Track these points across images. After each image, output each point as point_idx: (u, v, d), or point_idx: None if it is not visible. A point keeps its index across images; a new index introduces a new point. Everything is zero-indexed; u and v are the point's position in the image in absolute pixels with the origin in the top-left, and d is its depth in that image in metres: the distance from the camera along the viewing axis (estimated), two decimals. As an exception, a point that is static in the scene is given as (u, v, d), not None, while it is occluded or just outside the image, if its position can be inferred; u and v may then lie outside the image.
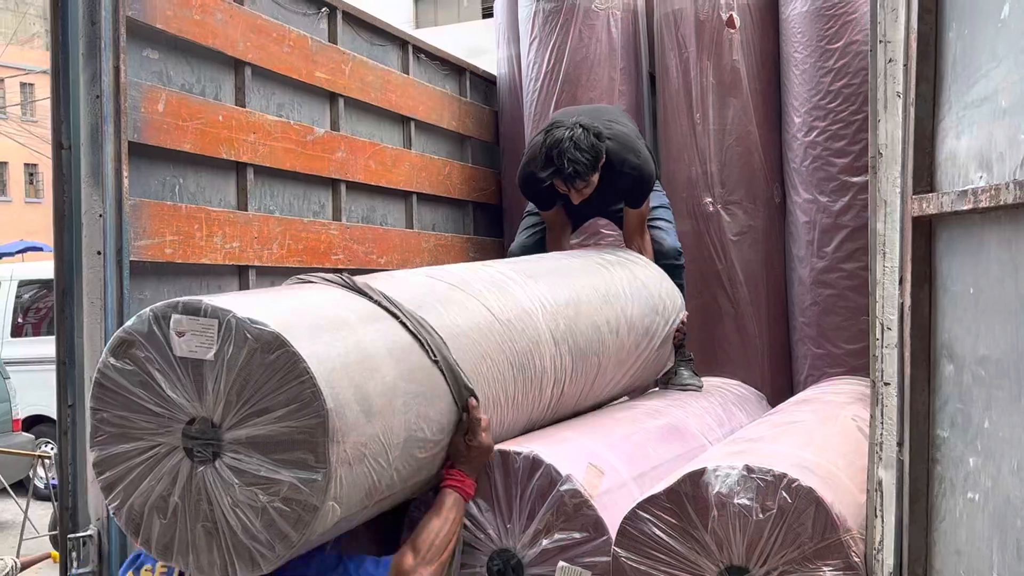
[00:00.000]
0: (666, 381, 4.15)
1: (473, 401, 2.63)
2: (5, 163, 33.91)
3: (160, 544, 2.23)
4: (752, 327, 4.93)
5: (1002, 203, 1.70)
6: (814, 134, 4.67)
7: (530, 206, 4.39)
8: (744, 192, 4.92)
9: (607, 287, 3.59)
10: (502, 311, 2.93)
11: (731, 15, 4.85)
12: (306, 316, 2.32)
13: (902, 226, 2.26)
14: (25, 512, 6.88)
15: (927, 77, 2.18)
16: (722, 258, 4.92)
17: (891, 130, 2.35)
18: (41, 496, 8.60)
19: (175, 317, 2.17)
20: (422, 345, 2.54)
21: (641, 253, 4.17)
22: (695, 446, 3.47)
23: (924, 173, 2.18)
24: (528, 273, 3.27)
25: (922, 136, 2.18)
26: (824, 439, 3.03)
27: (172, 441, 2.18)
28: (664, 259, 4.21)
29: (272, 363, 2.12)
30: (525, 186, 4.11)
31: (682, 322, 4.03)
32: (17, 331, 10.32)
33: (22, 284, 10.40)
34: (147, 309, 2.20)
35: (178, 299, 2.18)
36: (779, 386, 4.88)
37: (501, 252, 5.29)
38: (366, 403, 2.25)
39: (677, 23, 4.98)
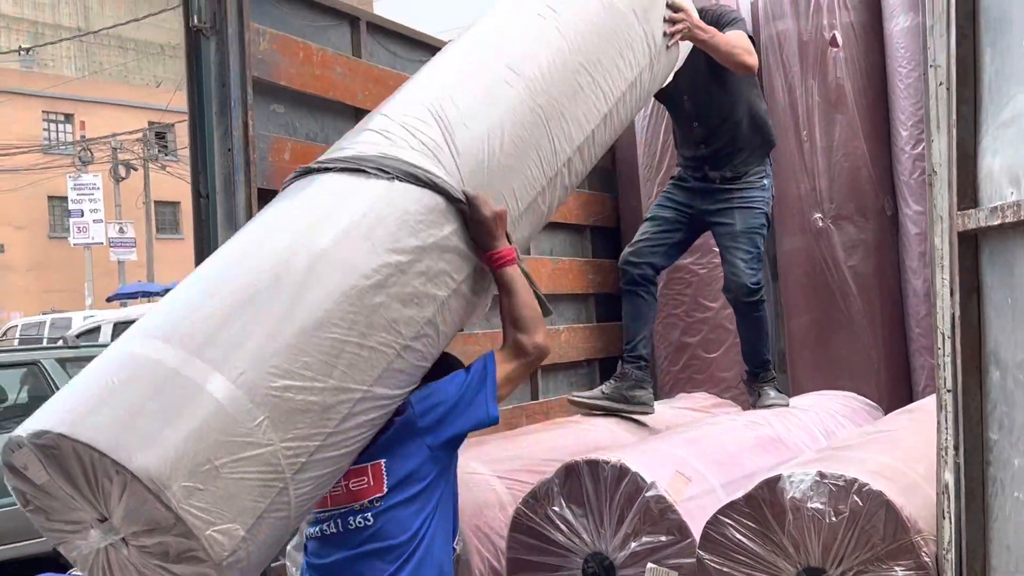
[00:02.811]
0: (753, 404, 4.21)
1: (467, 192, 2.58)
2: (178, 203, 36.00)
3: None
4: (867, 340, 4.98)
5: (1024, 217, 1.84)
6: (922, 146, 4.71)
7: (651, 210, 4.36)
8: (854, 206, 5.00)
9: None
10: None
11: (834, 34, 4.95)
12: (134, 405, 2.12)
13: (951, 240, 2.38)
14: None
15: (967, 99, 2.31)
16: (834, 272, 4.99)
17: (943, 149, 2.47)
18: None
19: (16, 456, 2.14)
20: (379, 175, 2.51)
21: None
22: (795, 456, 3.59)
23: (968, 190, 2.30)
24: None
25: (964, 155, 2.30)
26: (911, 445, 3.12)
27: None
28: (732, 296, 4.10)
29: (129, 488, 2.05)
30: None
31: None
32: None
33: (118, 325, 11.22)
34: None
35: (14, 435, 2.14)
36: (898, 398, 4.90)
37: (616, 272, 5.49)
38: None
39: (781, 44, 5.10)
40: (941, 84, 2.49)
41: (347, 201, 2.49)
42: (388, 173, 2.50)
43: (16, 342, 17.81)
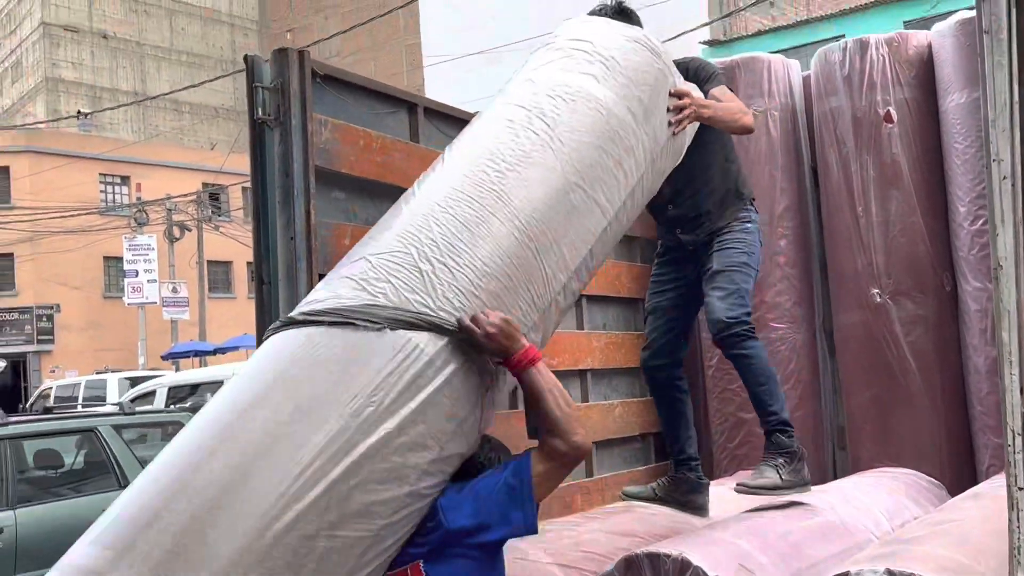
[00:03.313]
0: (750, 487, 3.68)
1: (460, 321, 2.53)
2: (230, 262, 36.56)
3: None
4: (928, 417, 4.90)
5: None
6: (980, 222, 4.67)
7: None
8: (912, 282, 4.95)
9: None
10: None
11: (888, 111, 4.95)
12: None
13: (1020, 336, 2.35)
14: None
15: (1034, 197, 2.29)
16: (893, 349, 4.93)
17: (1009, 243, 2.45)
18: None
19: None
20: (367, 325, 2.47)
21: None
22: (859, 541, 3.53)
23: (1036, 287, 2.28)
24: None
25: (1032, 253, 2.28)
26: (981, 538, 3.06)
27: None
28: (713, 336, 3.78)
29: None
30: None
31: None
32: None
33: (172, 389, 11.36)
34: None
35: None
36: (961, 476, 4.81)
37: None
38: None
39: (835, 120, 5.11)
40: (1005, 179, 2.48)
41: (344, 377, 2.42)
42: (377, 323, 2.46)
43: (79, 405, 18.10)
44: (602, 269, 5.16)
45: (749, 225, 3.88)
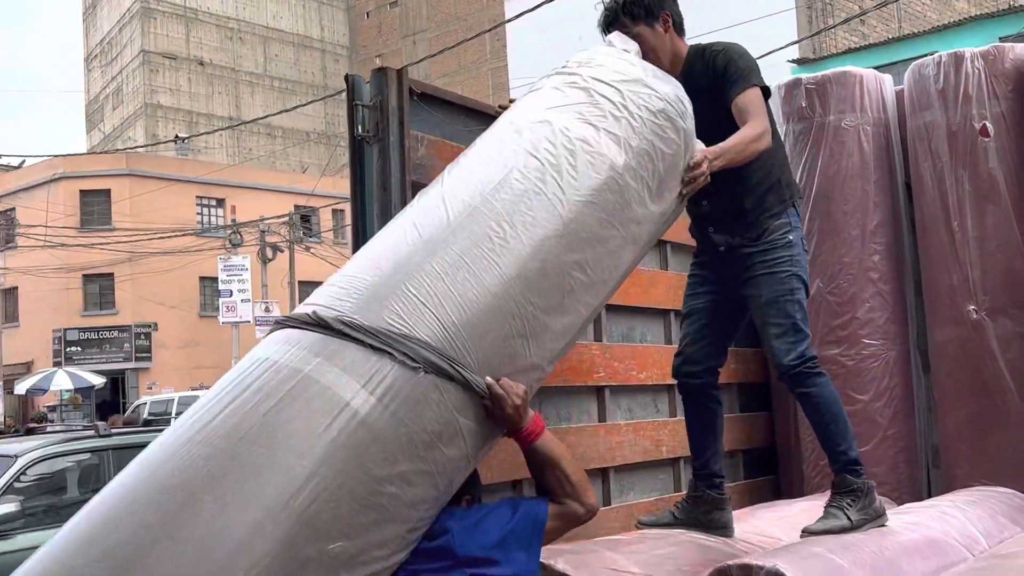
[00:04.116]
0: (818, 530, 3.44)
1: (488, 384, 2.48)
2: (320, 282, 37.10)
3: None
4: (1027, 436, 4.79)
5: None
6: (1082, 237, 4.58)
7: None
8: (1009, 298, 4.85)
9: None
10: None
11: (984, 124, 4.88)
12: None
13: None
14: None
15: None
16: (990, 366, 4.84)
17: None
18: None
19: None
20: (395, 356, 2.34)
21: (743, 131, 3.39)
22: (955, 560, 3.48)
23: None
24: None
25: None
26: (1082, 556, 3.00)
27: None
28: (778, 376, 3.66)
29: None
30: None
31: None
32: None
33: None
34: None
35: None
36: (1063, 497, 4.69)
37: (761, 359, 5.43)
38: None
39: (929, 135, 5.05)
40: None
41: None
42: (415, 363, 2.34)
43: (173, 419, 18.59)
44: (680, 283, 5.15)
45: (791, 236, 3.63)
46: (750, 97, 3.46)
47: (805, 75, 5.50)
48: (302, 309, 2.58)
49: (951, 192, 4.96)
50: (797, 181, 5.25)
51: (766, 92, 3.58)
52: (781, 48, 17.44)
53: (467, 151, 3.07)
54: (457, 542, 2.41)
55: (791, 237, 3.63)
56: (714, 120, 3.43)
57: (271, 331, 2.59)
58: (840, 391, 5.00)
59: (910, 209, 5.33)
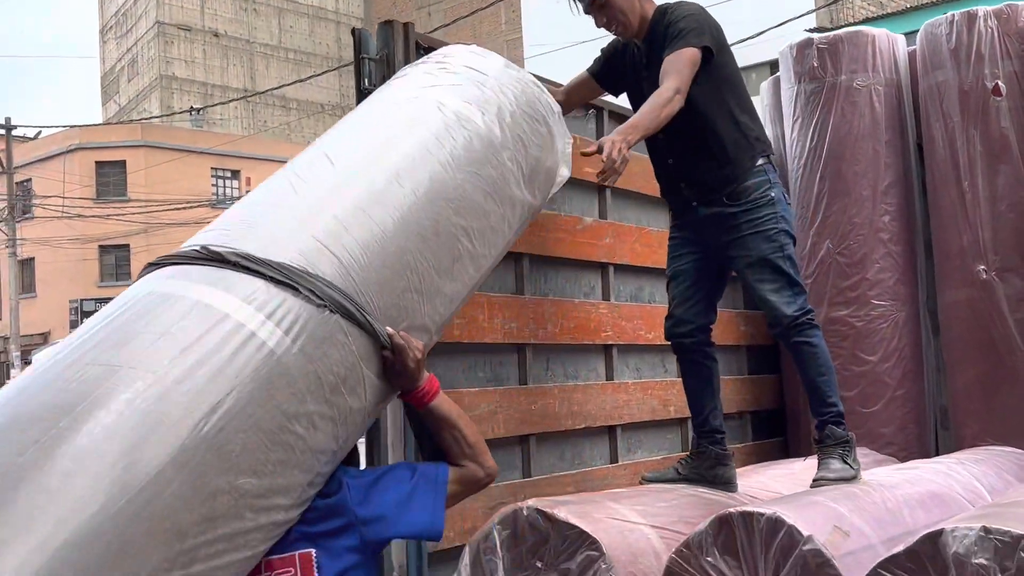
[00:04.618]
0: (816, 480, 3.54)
1: (391, 334, 2.39)
2: (334, 254, 37.29)
3: None
4: (1035, 396, 4.79)
5: None
6: (1093, 196, 4.55)
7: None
8: (1019, 258, 4.84)
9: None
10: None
11: (996, 83, 4.84)
12: None
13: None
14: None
15: None
16: (999, 326, 4.83)
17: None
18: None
19: None
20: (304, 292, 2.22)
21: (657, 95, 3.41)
22: (957, 513, 3.49)
23: None
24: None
25: None
26: (1085, 506, 3.00)
27: None
28: (778, 332, 3.68)
29: None
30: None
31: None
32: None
33: None
34: None
35: None
36: (1070, 457, 4.69)
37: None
38: None
39: (941, 95, 5.02)
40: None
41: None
42: (321, 300, 2.23)
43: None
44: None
45: (772, 193, 3.66)
46: (673, 58, 3.48)
47: (817, 35, 5.47)
48: (186, 247, 2.42)
49: (962, 152, 4.94)
50: (808, 141, 5.25)
51: (708, 52, 3.56)
52: (799, 17, 17.31)
53: (338, 124, 3.03)
54: (353, 499, 2.29)
55: (772, 194, 3.67)
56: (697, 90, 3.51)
57: (142, 273, 2.40)
58: (849, 352, 5.07)
59: (921, 170, 5.31)
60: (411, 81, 3.08)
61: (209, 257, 2.28)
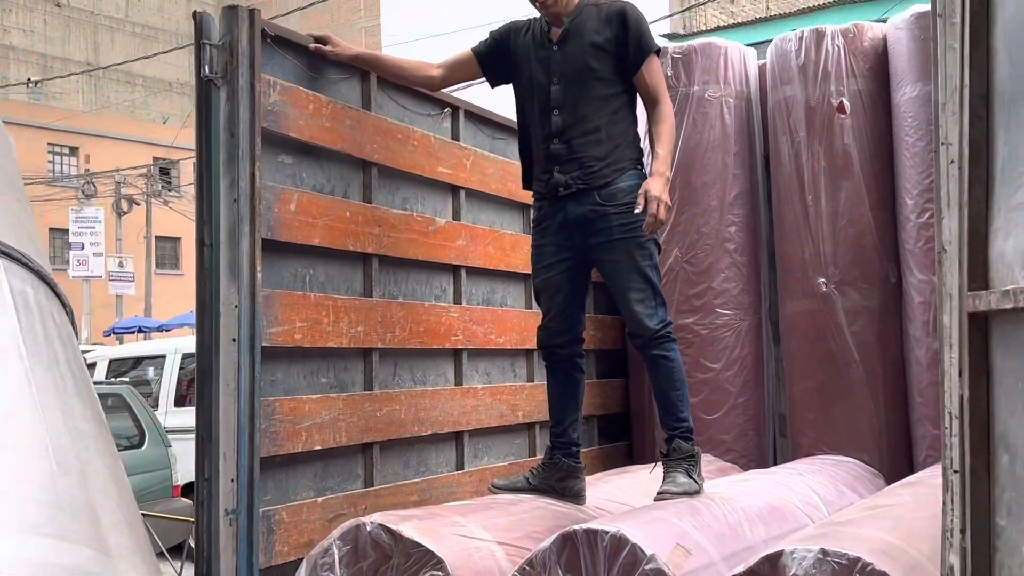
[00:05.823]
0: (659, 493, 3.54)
1: None
2: (179, 238, 36.07)
3: None
4: (869, 407, 4.95)
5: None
6: (926, 215, 4.72)
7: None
8: (859, 273, 4.98)
9: None
10: None
11: (841, 101, 4.97)
12: None
13: (960, 320, 2.35)
14: (179, 574, 7.35)
15: (980, 179, 2.30)
16: (837, 338, 4.97)
17: (954, 227, 2.45)
18: (199, 559, 9.09)
19: None
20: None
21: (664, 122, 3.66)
22: (796, 526, 3.55)
23: (978, 271, 2.28)
24: None
25: (975, 235, 2.29)
26: (914, 523, 3.08)
27: None
28: (639, 342, 3.70)
29: None
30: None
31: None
32: (180, 401, 11.00)
33: (185, 356, 11.14)
34: None
35: None
36: (898, 467, 4.87)
37: (619, 325, 5.42)
38: None
39: (788, 109, 5.12)
40: (952, 162, 2.48)
41: None
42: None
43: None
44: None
45: None
46: (654, 70, 3.70)
47: (672, 44, 5.51)
48: None
49: (807, 167, 5.06)
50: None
51: (658, 53, 3.77)
52: (653, 22, 17.61)
53: None
54: None
55: None
56: (587, 71, 3.66)
57: None
58: (693, 359, 5.11)
59: (768, 182, 5.41)
60: None
61: None
